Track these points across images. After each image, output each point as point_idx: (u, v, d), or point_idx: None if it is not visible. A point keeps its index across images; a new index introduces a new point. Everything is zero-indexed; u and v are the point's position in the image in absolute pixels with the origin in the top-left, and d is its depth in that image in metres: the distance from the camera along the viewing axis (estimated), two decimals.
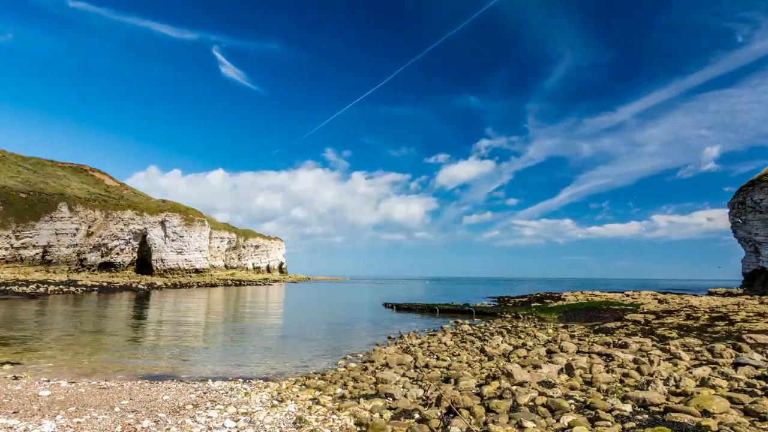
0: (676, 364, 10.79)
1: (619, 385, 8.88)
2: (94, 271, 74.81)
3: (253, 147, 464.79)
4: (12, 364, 12.09)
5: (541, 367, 10.08)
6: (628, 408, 7.07)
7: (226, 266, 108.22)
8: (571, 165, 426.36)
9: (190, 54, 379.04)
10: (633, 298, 39.75)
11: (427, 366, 11.78)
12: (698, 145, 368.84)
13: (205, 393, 9.13)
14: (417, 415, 7.13)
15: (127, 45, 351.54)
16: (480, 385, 8.85)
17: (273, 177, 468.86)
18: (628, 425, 6.26)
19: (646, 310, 27.29)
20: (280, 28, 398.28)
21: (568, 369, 10.11)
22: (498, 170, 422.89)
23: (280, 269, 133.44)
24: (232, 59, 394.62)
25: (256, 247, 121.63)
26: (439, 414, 7.07)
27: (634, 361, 10.89)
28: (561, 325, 23.50)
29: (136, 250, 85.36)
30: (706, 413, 6.55)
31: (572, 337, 17.24)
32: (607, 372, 10.01)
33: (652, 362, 10.79)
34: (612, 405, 7.15)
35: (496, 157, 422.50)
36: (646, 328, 19.00)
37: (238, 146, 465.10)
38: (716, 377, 9.00)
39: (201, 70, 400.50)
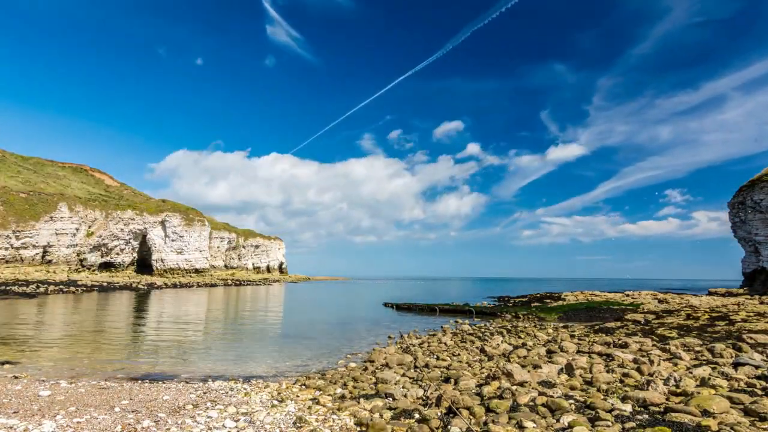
0: (676, 364, 10.79)
1: (619, 385, 8.88)
2: (94, 271, 74.80)
3: (298, 129, 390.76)
4: (12, 363, 12.10)
5: (541, 367, 10.08)
6: (628, 408, 7.07)
7: (226, 266, 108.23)
8: (622, 155, 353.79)
9: (235, 3, 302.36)
10: (633, 298, 39.77)
11: (427, 366, 11.78)
12: None
13: (205, 393, 9.13)
14: (417, 415, 7.13)
15: None
16: (480, 385, 8.85)
17: (322, 166, 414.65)
18: (628, 425, 6.25)
19: (646, 310, 27.28)
20: None
21: (568, 369, 10.11)
22: (545, 162, 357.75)
23: (280, 269, 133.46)
24: (287, 17, 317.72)
25: (256, 247, 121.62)
26: (439, 414, 7.06)
27: (634, 361, 10.89)
28: (561, 325, 23.51)
29: (136, 250, 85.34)
30: (706, 413, 6.55)
31: (572, 337, 17.23)
32: (607, 372, 10.01)
33: (652, 362, 10.78)
34: (612, 405, 7.15)
35: (547, 148, 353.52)
36: (646, 328, 18.99)
37: (282, 128, 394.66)
38: (716, 377, 8.99)
39: (244, 30, 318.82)
